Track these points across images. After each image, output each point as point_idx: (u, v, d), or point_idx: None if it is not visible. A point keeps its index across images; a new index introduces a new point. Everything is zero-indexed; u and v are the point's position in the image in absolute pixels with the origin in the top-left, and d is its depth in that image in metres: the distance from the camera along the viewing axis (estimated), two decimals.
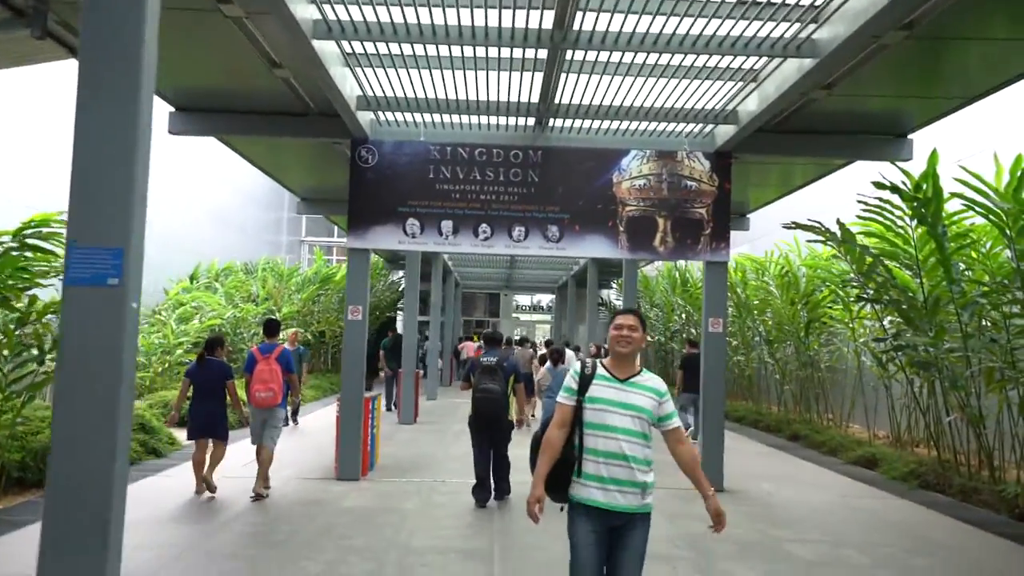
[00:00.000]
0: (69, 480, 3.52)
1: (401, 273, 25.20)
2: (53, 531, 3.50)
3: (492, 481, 8.13)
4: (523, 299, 40.15)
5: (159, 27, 3.76)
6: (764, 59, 7.07)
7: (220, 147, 10.52)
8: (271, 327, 8.57)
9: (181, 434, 11.31)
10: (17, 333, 8.18)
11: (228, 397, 8.16)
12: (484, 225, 9.09)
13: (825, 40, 6.19)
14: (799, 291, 14.34)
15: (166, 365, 14.77)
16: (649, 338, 24.81)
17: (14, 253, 8.15)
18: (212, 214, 22.14)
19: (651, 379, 3.68)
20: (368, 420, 9.42)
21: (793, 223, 9.64)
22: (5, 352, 8.02)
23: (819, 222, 9.48)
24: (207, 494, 8.07)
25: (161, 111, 8.71)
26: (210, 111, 8.77)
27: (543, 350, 16.56)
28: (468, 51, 6.96)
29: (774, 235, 15.45)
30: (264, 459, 8.08)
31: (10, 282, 8.05)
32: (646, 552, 3.61)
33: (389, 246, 9.27)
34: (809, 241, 10.79)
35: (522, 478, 8.59)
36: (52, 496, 3.53)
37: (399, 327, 24.22)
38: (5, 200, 12.38)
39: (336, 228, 26.67)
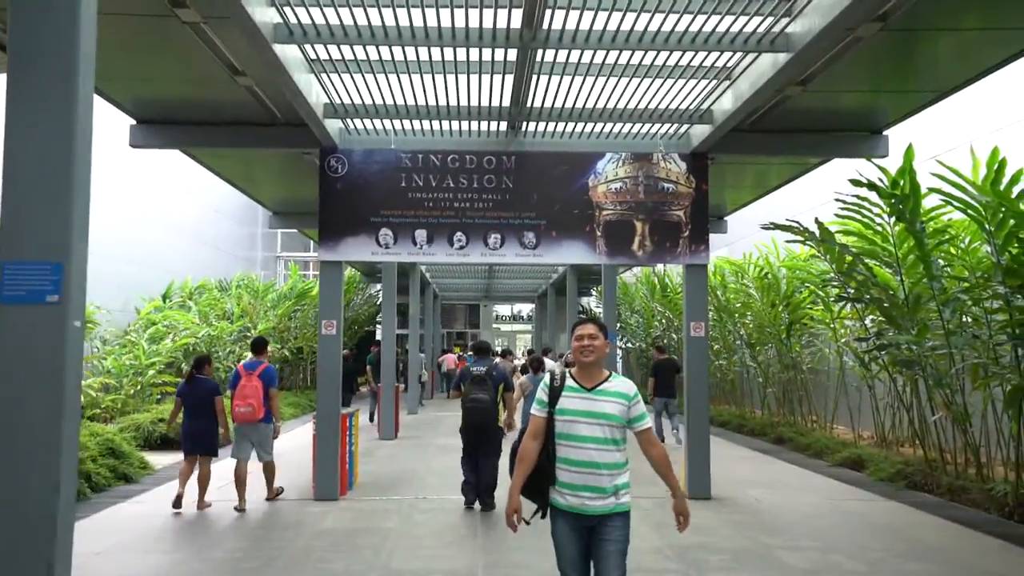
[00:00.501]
0: (7, 520, 3.25)
1: (378, 286, 24.91)
2: None
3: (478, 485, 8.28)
4: (503, 309, 39.95)
5: (118, 36, 3.52)
6: (738, 55, 6.95)
7: (190, 161, 10.25)
8: (258, 345, 8.74)
9: (154, 458, 11.06)
10: None
11: (218, 412, 8.37)
12: (459, 233, 8.89)
13: (799, 34, 6.07)
14: (779, 293, 14.27)
15: (138, 387, 14.37)
16: (630, 345, 24.71)
17: None
18: (185, 231, 21.74)
19: (619, 384, 3.76)
20: (346, 437, 9.16)
21: (772, 223, 9.53)
22: None
23: (797, 222, 9.38)
24: (190, 509, 8.18)
25: (123, 124, 8.47)
26: (173, 123, 8.50)
27: (521, 360, 16.43)
28: (436, 53, 6.77)
29: (752, 237, 15.39)
30: (268, 472, 8.61)
31: None
32: (627, 550, 3.69)
33: (362, 257, 9.04)
34: (788, 242, 10.69)
35: (505, 491, 8.45)
36: None
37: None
38: None
39: (312, 242, 26.34)
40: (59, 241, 3.33)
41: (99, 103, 7.71)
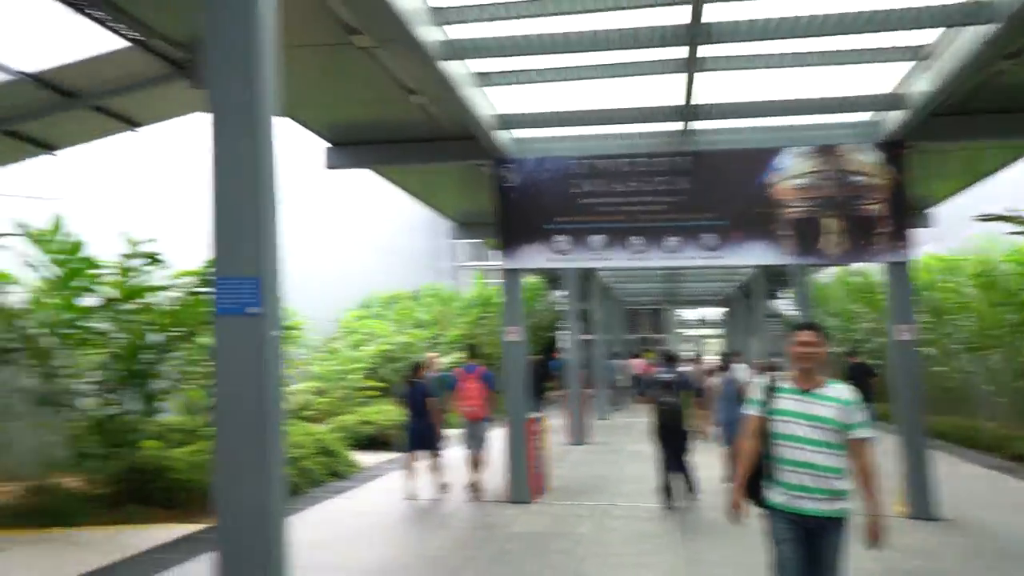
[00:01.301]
0: (231, 510, 3.65)
1: (561, 292, 25.21)
2: (220, 560, 3.62)
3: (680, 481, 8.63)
4: (689, 313, 38.93)
5: (306, 67, 3.85)
6: (934, 31, 6.31)
7: (380, 180, 10.93)
8: (473, 350, 10.20)
9: (362, 457, 11.81)
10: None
11: (431, 412, 9.23)
12: (635, 238, 8.78)
13: (1006, 2, 5.40)
14: (1005, 291, 12.69)
15: (344, 390, 15.50)
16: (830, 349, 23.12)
17: (200, 292, 8.91)
18: (379, 245, 23.33)
19: (837, 389, 3.81)
20: (536, 441, 9.35)
21: (989, 215, 8.53)
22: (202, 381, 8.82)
23: (1022, 211, 8.32)
24: (423, 496, 9.14)
25: (319, 148, 9.23)
26: (361, 144, 9.10)
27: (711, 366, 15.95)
28: (603, 58, 6.76)
29: (966, 230, 13.86)
30: (475, 464, 9.29)
31: (196, 319, 8.79)
32: (843, 557, 3.74)
33: (538, 264, 9.19)
34: (1011, 233, 9.49)
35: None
36: (220, 525, 3.66)
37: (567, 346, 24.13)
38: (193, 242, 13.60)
39: (489, 251, 27.23)
40: (255, 259, 3.69)
41: (299, 130, 8.51)
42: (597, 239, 8.84)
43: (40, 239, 8.66)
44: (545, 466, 9.66)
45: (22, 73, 6.85)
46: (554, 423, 15.66)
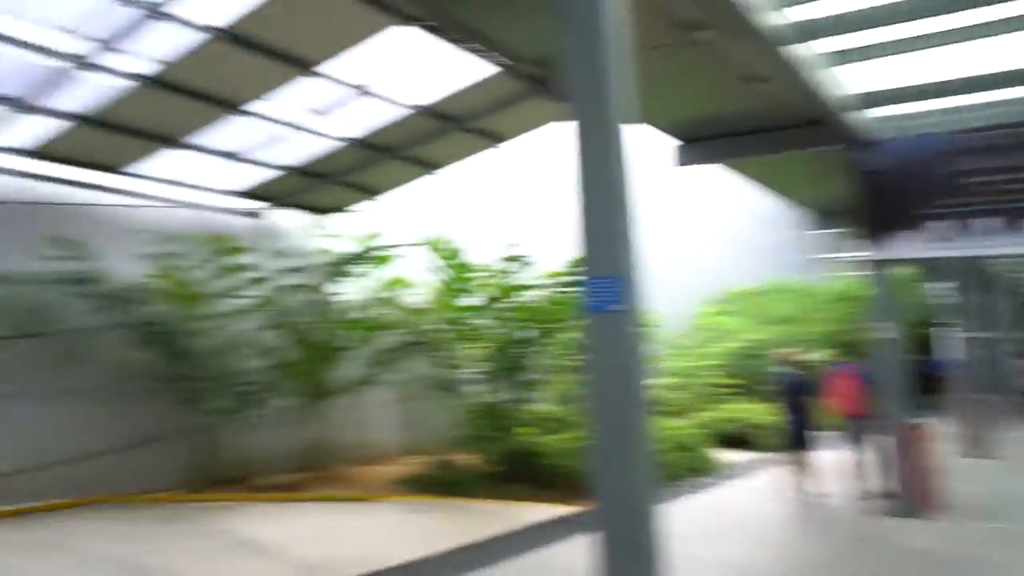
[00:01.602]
0: (607, 497, 4.00)
1: (939, 284, 22.34)
2: (601, 543, 3.98)
3: None
4: None
5: (651, 70, 4.09)
6: None
7: (726, 174, 10.88)
8: (848, 347, 10.29)
9: (723, 455, 11.67)
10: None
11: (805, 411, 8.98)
12: None
13: None
14: None
15: (702, 387, 15.54)
16: None
17: (563, 290, 9.74)
18: (725, 240, 23.10)
19: None
20: (923, 450, 8.48)
21: None
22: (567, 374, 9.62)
23: None
24: (796, 497, 8.83)
25: (668, 147, 9.46)
26: (708, 139, 9.12)
27: None
28: (974, 17, 5.97)
29: None
30: (859, 467, 8.94)
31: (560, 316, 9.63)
32: None
33: (913, 254, 8.43)
34: None
35: None
36: (598, 511, 4.03)
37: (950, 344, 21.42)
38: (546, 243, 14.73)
39: (849, 242, 25.09)
40: (616, 259, 4.02)
41: (646, 130, 8.84)
42: (979, 223, 7.79)
43: (437, 248, 10.20)
44: (934, 479, 8.60)
45: (415, 106, 8.27)
46: (945, 432, 13.79)
